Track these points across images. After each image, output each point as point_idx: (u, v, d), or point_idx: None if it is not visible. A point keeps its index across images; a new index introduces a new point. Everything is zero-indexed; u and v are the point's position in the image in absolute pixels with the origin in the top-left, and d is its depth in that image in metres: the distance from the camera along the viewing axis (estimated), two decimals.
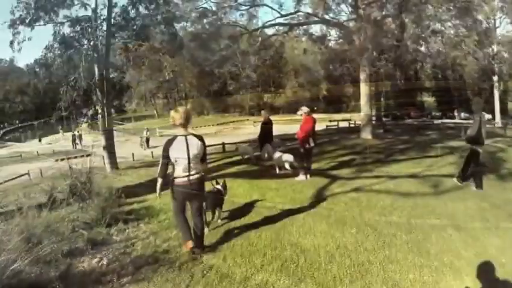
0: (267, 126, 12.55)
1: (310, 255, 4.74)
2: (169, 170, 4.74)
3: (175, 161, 4.52)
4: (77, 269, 4.60)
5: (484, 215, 6.20)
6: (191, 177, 4.56)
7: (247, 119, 48.52)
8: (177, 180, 4.60)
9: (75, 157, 22.32)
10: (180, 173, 4.55)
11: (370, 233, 5.49)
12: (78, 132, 38.65)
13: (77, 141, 37.10)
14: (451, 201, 6.92)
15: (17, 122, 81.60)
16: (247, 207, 6.90)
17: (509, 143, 14.84)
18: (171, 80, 51.63)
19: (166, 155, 4.52)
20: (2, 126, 77.50)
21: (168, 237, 5.48)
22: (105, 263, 4.70)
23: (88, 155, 25.40)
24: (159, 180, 4.69)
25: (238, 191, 8.13)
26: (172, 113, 4.59)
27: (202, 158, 4.67)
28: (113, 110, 18.38)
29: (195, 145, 4.52)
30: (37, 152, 32.73)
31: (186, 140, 4.49)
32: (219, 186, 6.20)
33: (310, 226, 5.82)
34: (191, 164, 4.53)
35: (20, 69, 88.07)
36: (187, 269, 4.43)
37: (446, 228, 5.63)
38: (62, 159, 21.21)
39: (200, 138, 4.62)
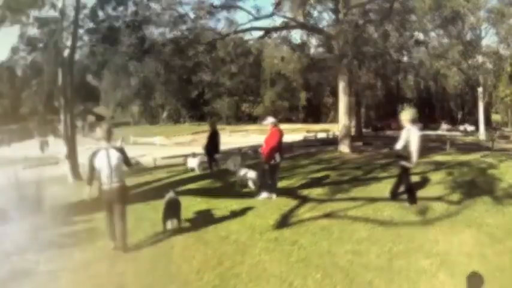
0: (214, 137, 12.46)
1: None
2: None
3: (100, 170, 5.07)
4: None
5: (484, 253, 4.93)
6: (113, 185, 5.11)
7: (223, 128, 47.17)
8: (102, 187, 5.14)
9: (44, 165, 21.21)
10: (105, 180, 5.09)
11: (340, 280, 4.25)
12: (44, 138, 37.32)
13: (44, 147, 35.99)
14: (442, 234, 5.62)
15: None
16: (196, 235, 5.82)
17: (500, 157, 13.64)
18: (147, 87, 50.22)
19: (91, 165, 5.13)
20: None
21: (96, 273, 4.58)
22: None
23: (56, 163, 24.31)
24: (87, 187, 5.22)
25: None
26: (97, 128, 5.29)
27: (127, 162, 5.35)
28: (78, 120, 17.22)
29: (114, 156, 5.11)
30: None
31: (108, 152, 5.09)
32: (172, 194, 6.20)
33: (264, 267, 4.63)
34: (113, 173, 5.07)
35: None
36: None
37: (439, 272, 4.39)
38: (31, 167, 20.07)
39: (120, 150, 5.27)
